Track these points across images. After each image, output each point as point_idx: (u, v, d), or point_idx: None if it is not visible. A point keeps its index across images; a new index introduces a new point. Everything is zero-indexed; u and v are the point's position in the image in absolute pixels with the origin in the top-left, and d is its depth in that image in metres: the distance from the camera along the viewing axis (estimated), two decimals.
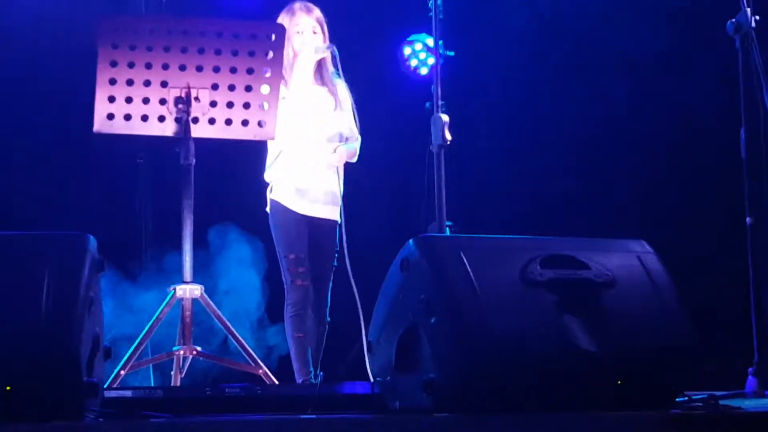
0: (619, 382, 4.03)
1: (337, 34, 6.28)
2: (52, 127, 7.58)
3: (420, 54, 8.46)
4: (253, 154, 6.26)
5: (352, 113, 6.24)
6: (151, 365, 6.06)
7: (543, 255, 4.16)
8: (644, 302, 4.19)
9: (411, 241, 4.21)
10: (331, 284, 6.14)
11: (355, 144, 6.20)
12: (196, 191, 5.53)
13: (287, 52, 5.97)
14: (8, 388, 3.59)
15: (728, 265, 6.95)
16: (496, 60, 8.42)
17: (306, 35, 6.14)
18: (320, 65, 6.19)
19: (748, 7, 5.38)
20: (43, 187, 7.45)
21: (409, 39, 8.40)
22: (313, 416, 3.87)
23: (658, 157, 8.13)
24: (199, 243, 5.66)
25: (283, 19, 6.14)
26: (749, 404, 4.58)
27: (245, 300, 7.14)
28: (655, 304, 4.20)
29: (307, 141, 6.08)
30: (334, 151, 6.03)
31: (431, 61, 8.23)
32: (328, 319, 6.13)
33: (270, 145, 6.08)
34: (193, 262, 5.47)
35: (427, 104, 6.02)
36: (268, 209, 6.12)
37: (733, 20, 5.42)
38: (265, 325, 7.10)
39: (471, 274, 4.04)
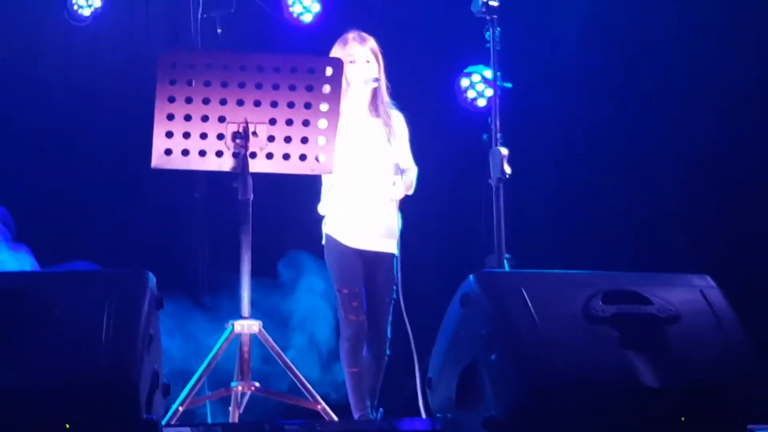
0: (683, 419, 3.97)
1: (393, 65, 6.27)
2: (112, 162, 7.62)
3: (477, 86, 8.46)
4: (309, 186, 6.26)
5: (407, 144, 6.22)
6: (208, 402, 6.05)
7: (605, 290, 4.11)
8: (708, 337, 4.14)
9: (471, 276, 4.17)
10: (390, 318, 6.09)
11: (411, 175, 6.16)
12: (254, 225, 5.53)
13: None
14: (67, 426, 3.59)
15: None
16: (553, 92, 8.38)
17: (359, 65, 6.11)
18: (375, 96, 6.15)
19: None
20: (102, 223, 7.49)
21: (466, 71, 8.40)
22: None
23: (718, 192, 8.04)
24: (256, 278, 5.62)
25: (336, 49, 6.13)
26: None
27: (309, 333, 7.15)
28: (719, 339, 4.14)
29: (360, 172, 6.04)
30: (394, 184, 5.99)
31: (489, 92, 8.25)
32: (388, 352, 6.08)
33: (324, 176, 6.06)
34: (252, 297, 5.45)
35: (485, 136, 5.98)
36: (323, 242, 6.10)
37: None
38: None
39: (532, 309, 4.00)
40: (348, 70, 6.00)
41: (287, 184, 6.45)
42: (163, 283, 4.12)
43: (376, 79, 6.07)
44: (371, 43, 6.17)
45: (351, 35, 6.17)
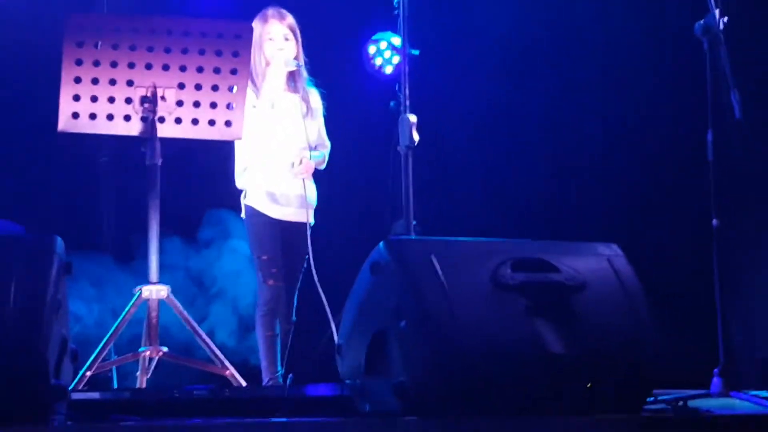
0: (589, 385, 4.02)
1: (302, 32, 6.27)
2: (16, 125, 7.50)
3: (385, 53, 8.45)
4: (222, 159, 6.26)
5: (322, 121, 6.28)
6: (114, 367, 6.01)
7: (514, 258, 4.15)
8: (614, 305, 4.19)
9: (381, 243, 4.19)
10: (298, 285, 6.16)
11: (324, 152, 6.28)
12: (162, 192, 5.49)
13: (259, 60, 6.02)
14: None
15: (694, 267, 6.97)
16: (461, 58, 8.40)
17: (278, 42, 6.16)
18: (293, 72, 6.20)
19: (717, 8, 5.38)
20: (8, 186, 7.37)
21: (373, 38, 8.39)
22: (283, 419, 3.84)
23: (625, 158, 8.13)
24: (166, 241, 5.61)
25: (255, 25, 6.14)
26: (714, 405, 4.61)
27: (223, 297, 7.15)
28: (624, 307, 4.20)
29: (277, 147, 6.10)
30: (300, 162, 6.04)
31: (396, 60, 8.25)
32: (294, 318, 6.14)
33: (237, 152, 6.11)
34: (159, 263, 5.43)
35: (392, 103, 6.00)
36: (242, 215, 6.14)
37: (701, 22, 5.43)
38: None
39: (441, 277, 4.02)
40: (267, 48, 6.07)
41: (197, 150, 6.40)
42: (72, 247, 4.09)
43: (297, 63, 6.10)
44: (290, 19, 6.23)
45: (270, 11, 6.22)
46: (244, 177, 6.15)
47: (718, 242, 5.37)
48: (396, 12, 6.08)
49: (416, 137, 5.83)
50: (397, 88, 5.99)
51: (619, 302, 4.21)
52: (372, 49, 8.42)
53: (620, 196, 8.07)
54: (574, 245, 4.41)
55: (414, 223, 5.84)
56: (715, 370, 5.24)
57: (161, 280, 5.45)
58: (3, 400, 3.56)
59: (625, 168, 8.12)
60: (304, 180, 6.09)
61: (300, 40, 6.23)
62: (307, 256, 6.08)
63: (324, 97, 6.38)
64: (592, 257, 4.33)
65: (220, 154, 6.31)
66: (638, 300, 4.24)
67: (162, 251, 5.51)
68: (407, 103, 5.91)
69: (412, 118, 5.84)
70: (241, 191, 6.18)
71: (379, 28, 8.31)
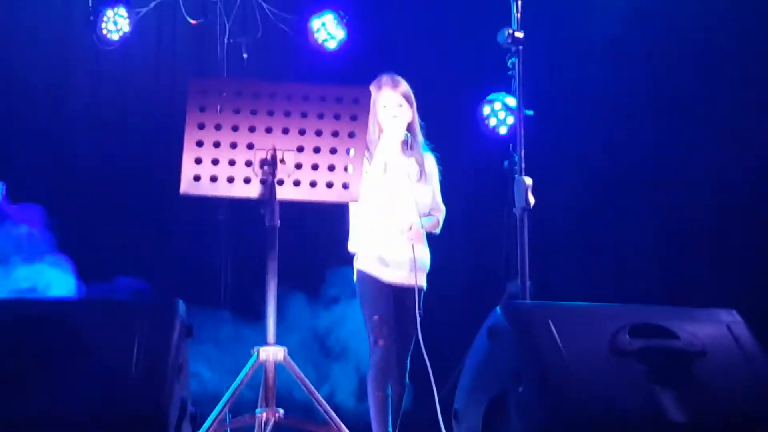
0: None
1: (418, 93, 6.31)
2: (141, 185, 7.67)
3: (499, 113, 8.48)
4: (335, 214, 6.32)
5: (438, 186, 6.30)
6: (229, 429, 6.05)
7: (632, 324, 4.12)
8: (736, 372, 4.14)
9: (498, 308, 4.19)
10: (411, 348, 6.16)
11: (438, 216, 6.28)
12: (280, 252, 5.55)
13: (373, 128, 6.06)
14: None
15: None
16: (575, 120, 8.41)
17: (391, 109, 6.19)
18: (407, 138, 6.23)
19: None
20: (134, 243, 7.53)
21: (488, 98, 8.42)
22: None
23: (744, 221, 8.04)
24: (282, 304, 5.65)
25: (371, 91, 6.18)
26: None
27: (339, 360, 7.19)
28: (747, 374, 4.14)
29: (390, 211, 6.12)
30: (410, 228, 6.06)
31: (510, 120, 8.28)
32: (407, 382, 6.14)
33: (352, 215, 6.15)
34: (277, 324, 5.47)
35: (506, 163, 6.01)
36: (355, 278, 6.18)
37: None
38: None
39: (559, 342, 4.01)
40: (381, 115, 6.11)
41: (314, 211, 6.48)
42: (191, 307, 4.15)
43: (407, 134, 6.13)
44: (404, 86, 6.26)
45: (384, 78, 6.26)
46: (356, 241, 6.19)
47: None
48: (510, 72, 6.09)
49: (532, 199, 5.82)
50: (511, 148, 5.99)
51: (740, 370, 4.15)
52: (486, 110, 8.47)
53: (740, 260, 7.96)
54: (693, 311, 4.37)
55: (529, 283, 5.82)
56: None
57: (279, 342, 5.49)
58: None
59: (745, 230, 8.02)
60: (413, 245, 6.09)
61: (414, 105, 6.26)
62: (420, 319, 6.08)
63: (440, 162, 6.39)
64: (711, 323, 4.28)
65: (335, 216, 6.37)
66: (760, 367, 4.17)
67: (280, 311, 5.56)
68: (522, 165, 5.92)
69: (528, 180, 5.84)
70: (353, 255, 6.21)
71: (493, 89, 8.35)
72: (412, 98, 6.26)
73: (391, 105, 6.20)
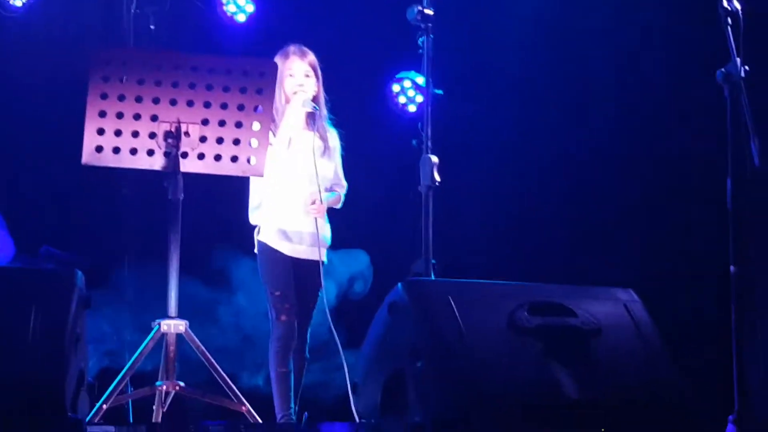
0: (603, 430, 4.02)
1: (326, 69, 6.29)
2: (42, 157, 7.56)
3: (408, 92, 8.49)
4: (239, 193, 6.29)
5: (340, 161, 6.30)
6: (130, 401, 6.03)
7: (531, 302, 4.17)
8: (630, 351, 4.21)
9: (399, 284, 4.21)
10: (311, 322, 6.18)
11: (340, 191, 6.28)
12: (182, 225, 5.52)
13: (279, 96, 6.02)
14: None
15: (712, 313, 6.97)
16: (483, 100, 8.44)
17: (298, 78, 6.16)
18: (313, 111, 6.20)
19: (738, 57, 5.40)
20: (29, 216, 7.42)
21: (398, 76, 8.43)
22: None
23: (644, 204, 8.15)
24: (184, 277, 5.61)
25: (276, 61, 6.15)
26: None
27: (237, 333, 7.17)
28: (641, 352, 4.22)
29: (293, 185, 6.11)
30: (312, 203, 6.06)
31: (419, 99, 8.30)
32: (308, 355, 6.16)
33: (252, 188, 6.13)
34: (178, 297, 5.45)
35: (414, 141, 6.03)
36: (255, 250, 6.16)
37: (723, 69, 5.44)
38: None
39: (459, 319, 4.04)
40: (287, 84, 6.10)
41: (216, 185, 6.43)
42: (90, 280, 4.12)
43: (315, 106, 6.12)
44: (311, 57, 6.24)
45: (292, 48, 6.23)
46: (257, 213, 6.16)
47: (736, 289, 5.36)
48: (420, 51, 6.11)
49: (437, 177, 5.85)
50: (419, 127, 6.01)
51: (635, 348, 4.23)
52: (396, 88, 8.47)
53: (638, 241, 8.07)
54: (591, 290, 4.44)
55: (433, 262, 5.84)
56: (730, 417, 5.23)
57: (179, 315, 5.46)
58: None
59: (644, 214, 8.13)
60: (316, 219, 6.09)
61: (321, 78, 6.24)
62: (320, 294, 6.10)
63: (342, 137, 6.39)
64: (609, 302, 4.35)
65: (235, 188, 6.32)
66: (655, 346, 4.25)
67: (181, 285, 5.53)
68: (429, 143, 5.93)
69: (434, 158, 5.86)
70: (254, 227, 6.18)
71: (403, 67, 8.36)
72: (319, 70, 6.24)
73: (298, 74, 6.17)
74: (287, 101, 6.15)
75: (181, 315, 5.45)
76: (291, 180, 6.11)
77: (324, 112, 6.25)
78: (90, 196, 7.47)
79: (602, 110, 8.31)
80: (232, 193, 6.43)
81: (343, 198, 6.30)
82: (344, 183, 6.32)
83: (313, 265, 6.07)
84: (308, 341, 6.18)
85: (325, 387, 6.79)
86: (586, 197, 8.24)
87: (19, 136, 7.59)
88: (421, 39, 6.10)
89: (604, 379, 4.09)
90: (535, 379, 4.00)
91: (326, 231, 6.21)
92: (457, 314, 4.04)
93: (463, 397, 3.90)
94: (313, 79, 6.20)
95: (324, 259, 6.10)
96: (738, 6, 5.35)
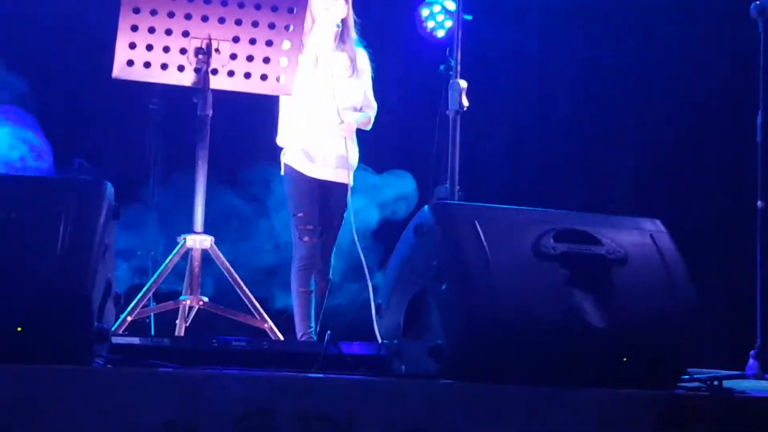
0: (624, 359, 4.04)
1: None
2: (71, 69, 7.56)
3: (438, 16, 8.45)
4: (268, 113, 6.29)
5: (370, 82, 6.26)
6: (153, 314, 6.07)
7: (557, 229, 4.16)
8: (655, 281, 4.19)
9: (426, 207, 4.21)
10: (335, 243, 6.19)
11: (370, 113, 6.25)
12: (210, 143, 5.54)
13: (306, 18, 5.99)
14: (19, 329, 3.60)
15: (738, 248, 6.97)
16: (514, 25, 8.40)
17: (326, 1, 6.12)
18: (342, 31, 6.16)
19: None
20: (60, 128, 7.44)
21: (427, 0, 8.39)
22: (320, 375, 3.88)
23: (671, 137, 8.13)
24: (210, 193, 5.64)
25: None
26: (750, 386, 4.62)
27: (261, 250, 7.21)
28: (665, 283, 4.19)
29: (320, 106, 6.09)
30: (342, 122, 6.04)
31: (449, 24, 8.26)
32: (331, 276, 6.18)
33: (282, 109, 6.12)
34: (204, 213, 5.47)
35: (441, 67, 6.00)
36: (282, 172, 6.16)
37: (757, 2, 5.40)
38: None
39: (484, 243, 4.04)
40: (315, 6, 6.05)
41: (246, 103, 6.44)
42: (119, 194, 4.13)
43: (339, 24, 6.07)
44: None
45: None
46: (285, 133, 6.16)
47: (763, 224, 5.36)
48: None
49: (465, 102, 5.83)
50: (447, 52, 5.98)
51: (660, 278, 4.21)
52: (425, 12, 8.43)
53: (666, 174, 8.06)
54: (618, 219, 4.42)
55: (458, 188, 5.85)
56: (752, 352, 5.25)
57: (205, 230, 5.49)
58: (46, 340, 3.61)
59: (673, 146, 8.11)
60: (346, 140, 6.07)
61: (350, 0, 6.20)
62: (345, 216, 6.11)
63: (372, 59, 6.36)
64: (636, 232, 4.32)
65: (265, 108, 6.32)
66: (679, 277, 4.24)
67: (208, 201, 5.55)
68: (458, 68, 5.91)
69: (462, 83, 5.84)
70: (281, 148, 6.18)
71: None
72: None
73: None
74: (314, 22, 6.11)
75: (207, 231, 5.49)
76: (316, 100, 6.09)
77: (353, 34, 6.21)
78: (120, 109, 7.48)
79: (633, 38, 8.26)
80: (262, 112, 6.43)
81: (372, 120, 6.28)
82: (374, 104, 6.30)
83: (340, 186, 6.08)
84: (332, 263, 6.20)
85: (351, 308, 6.84)
86: (614, 129, 8.23)
87: (50, 48, 7.59)
88: None
89: (627, 308, 4.08)
90: (557, 307, 4.00)
91: (354, 154, 6.20)
92: (483, 239, 4.03)
93: (485, 321, 3.91)
94: (341, 2, 6.16)
95: (351, 181, 6.09)
96: None
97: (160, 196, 7.32)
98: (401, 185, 7.45)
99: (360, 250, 5.87)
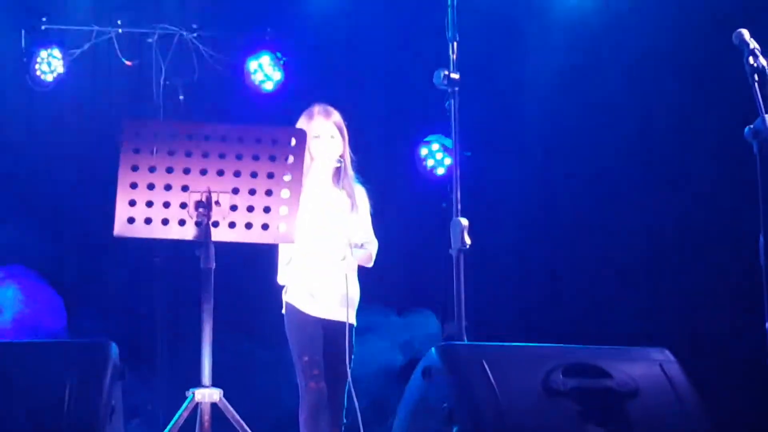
0: None
1: (353, 132, 6.30)
2: (75, 228, 7.61)
3: (437, 154, 8.53)
4: (268, 256, 6.28)
5: (369, 218, 6.27)
6: None
7: (565, 364, 4.14)
8: (668, 412, 4.16)
9: (433, 349, 4.19)
10: (347, 386, 6.10)
11: (371, 248, 6.22)
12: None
13: (305, 156, 6.00)
14: None
15: (747, 371, 6.91)
16: (512, 162, 8.46)
17: (323, 140, 6.16)
18: (339, 169, 6.19)
19: (766, 113, 5.38)
20: (67, 284, 7.46)
21: (426, 139, 8.47)
22: None
23: (679, 263, 8.13)
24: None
25: (301, 122, 6.18)
26: None
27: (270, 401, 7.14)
28: (678, 413, 4.17)
29: (320, 243, 6.08)
30: (344, 258, 6.04)
31: (447, 161, 8.33)
32: (345, 420, 6.09)
33: (281, 247, 6.11)
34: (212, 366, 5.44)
35: (444, 204, 6.02)
36: (283, 311, 6.13)
37: (751, 126, 5.44)
38: None
39: (493, 382, 4.02)
40: (313, 145, 6.08)
41: (247, 252, 6.45)
42: (123, 349, 4.12)
43: (340, 160, 6.11)
44: (336, 117, 6.22)
45: (316, 109, 6.21)
46: (286, 272, 6.13)
47: None
48: (447, 114, 6.11)
49: (468, 240, 5.83)
50: (448, 189, 6.00)
51: (673, 409, 4.18)
52: (424, 151, 8.51)
53: (673, 302, 8.03)
54: (626, 350, 4.40)
55: (465, 324, 5.82)
56: None
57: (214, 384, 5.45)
58: None
59: (678, 273, 8.10)
60: (347, 277, 6.04)
61: (346, 137, 6.23)
62: (353, 357, 6.04)
63: (370, 195, 6.37)
64: (644, 363, 4.31)
65: (264, 251, 6.31)
66: (693, 406, 4.20)
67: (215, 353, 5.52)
68: (458, 206, 5.93)
69: (464, 221, 5.84)
70: (282, 287, 6.15)
71: (431, 130, 8.40)
72: (345, 129, 6.22)
73: (324, 135, 6.17)
74: (312, 159, 6.13)
75: (215, 383, 5.45)
76: (318, 238, 6.08)
77: (350, 170, 6.22)
78: (123, 265, 7.51)
79: (629, 167, 8.31)
80: (263, 256, 6.42)
81: (374, 255, 6.25)
82: (375, 240, 6.27)
83: (343, 327, 6.01)
84: (345, 405, 6.09)
85: None
86: (620, 257, 8.22)
87: (53, 209, 7.66)
88: (448, 102, 6.11)
89: None
90: None
91: (355, 291, 6.15)
92: (491, 378, 4.01)
93: None
94: (338, 140, 6.18)
95: (353, 321, 6.06)
96: (764, 62, 5.35)
97: (167, 350, 7.30)
98: (422, 326, 7.43)
99: (354, 396, 5.80)
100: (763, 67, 5.38)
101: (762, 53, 5.37)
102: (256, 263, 6.78)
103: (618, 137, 8.38)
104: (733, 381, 7.45)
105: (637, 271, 8.23)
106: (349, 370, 5.92)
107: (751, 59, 5.35)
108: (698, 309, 7.97)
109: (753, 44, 5.39)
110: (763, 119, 5.36)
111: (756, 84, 5.37)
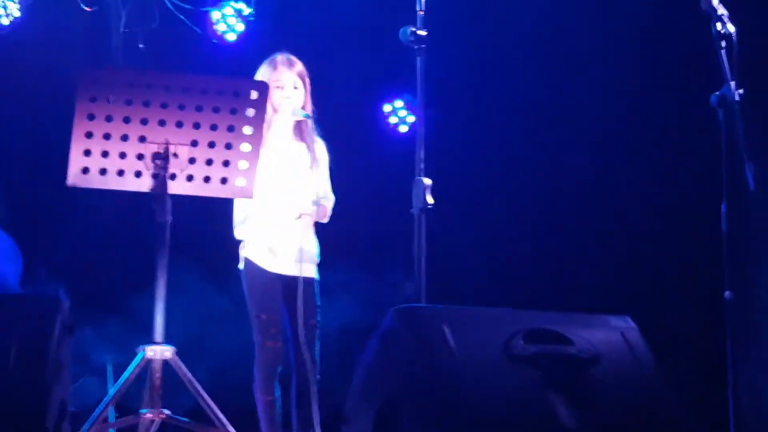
0: None
1: (317, 87, 6.20)
2: (29, 177, 7.50)
3: (400, 112, 8.45)
4: (227, 209, 6.18)
5: (327, 173, 6.16)
6: (115, 429, 5.90)
7: (527, 329, 4.09)
8: (628, 379, 4.15)
9: (392, 311, 4.12)
10: (318, 342, 5.98)
11: (328, 204, 6.11)
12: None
13: (267, 107, 5.88)
14: None
15: (707, 339, 6.90)
16: (478, 120, 8.40)
17: (287, 90, 6.04)
18: (300, 121, 6.08)
19: (732, 80, 5.35)
20: (15, 235, 7.34)
21: (390, 97, 8.39)
22: None
23: (639, 229, 8.11)
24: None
25: (264, 71, 6.06)
26: None
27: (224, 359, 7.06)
28: (638, 380, 4.17)
29: (281, 198, 5.98)
30: (299, 216, 5.93)
31: (411, 119, 8.25)
32: (318, 377, 5.93)
33: (236, 204, 6.01)
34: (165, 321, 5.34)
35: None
36: (241, 266, 6.02)
37: (717, 93, 5.39)
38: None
39: (453, 346, 3.96)
40: (275, 96, 5.96)
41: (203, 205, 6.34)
42: (75, 303, 4.03)
43: (305, 113, 6.00)
44: (299, 67, 6.10)
45: (279, 58, 6.09)
46: (243, 227, 6.02)
47: (731, 314, 5.30)
48: (413, 73, 6.02)
49: (430, 200, 5.75)
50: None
51: (632, 376, 4.17)
52: (387, 108, 8.42)
53: (633, 268, 8.03)
54: (587, 317, 4.37)
55: (425, 284, 5.75)
56: None
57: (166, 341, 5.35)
58: None
59: (639, 239, 8.08)
60: (305, 233, 5.92)
61: (309, 88, 6.13)
62: (318, 310, 5.95)
63: (329, 149, 6.26)
64: (605, 330, 4.28)
65: (221, 203, 6.20)
66: (652, 373, 4.19)
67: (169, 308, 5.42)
68: (422, 165, 5.85)
69: (427, 181, 5.77)
70: (239, 242, 6.05)
71: (396, 89, 8.32)
72: (307, 80, 6.12)
73: (287, 85, 6.05)
74: (275, 111, 6.00)
75: (169, 341, 5.35)
76: (279, 193, 5.97)
77: (311, 123, 6.09)
78: (76, 216, 7.39)
79: (598, 133, 8.28)
80: (220, 209, 6.31)
81: (330, 212, 6.14)
82: (332, 196, 6.16)
83: (306, 282, 5.89)
84: (318, 362, 5.95)
85: None
86: (581, 221, 8.20)
87: (5, 155, 7.53)
88: (414, 60, 6.02)
89: (601, 407, 4.02)
90: (531, 409, 3.93)
91: (314, 246, 6.05)
92: (451, 342, 3.96)
93: (458, 426, 3.81)
94: (301, 90, 6.06)
95: (315, 275, 5.96)
96: (732, 29, 5.31)
97: (120, 304, 7.19)
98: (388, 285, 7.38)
99: (305, 352, 5.72)
100: (730, 33, 5.33)
101: (729, 19, 5.32)
102: (215, 217, 6.67)
103: (584, 98, 8.33)
104: (693, 350, 7.46)
105: (599, 239, 8.20)
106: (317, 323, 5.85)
107: (719, 25, 5.31)
108: (659, 279, 7.97)
109: (721, 10, 5.35)
110: (729, 86, 5.32)
111: (723, 50, 5.33)
